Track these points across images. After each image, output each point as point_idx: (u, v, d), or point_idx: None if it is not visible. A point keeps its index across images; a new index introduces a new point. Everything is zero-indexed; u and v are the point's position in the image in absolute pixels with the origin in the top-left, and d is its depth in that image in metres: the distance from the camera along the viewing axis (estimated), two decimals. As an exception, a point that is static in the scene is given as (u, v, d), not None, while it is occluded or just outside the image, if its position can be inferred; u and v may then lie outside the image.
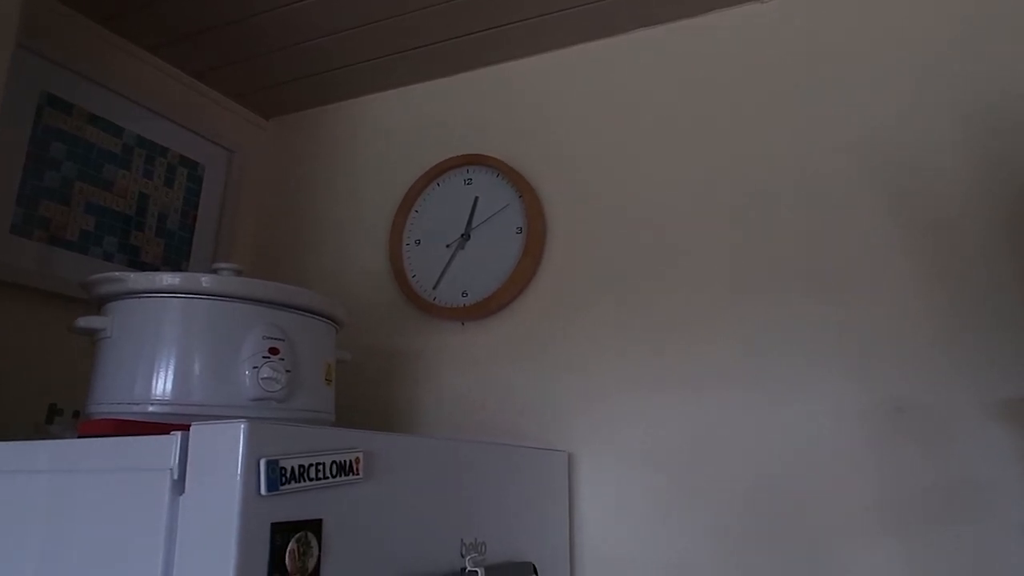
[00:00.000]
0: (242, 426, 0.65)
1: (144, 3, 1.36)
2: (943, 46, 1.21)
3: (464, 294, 1.44)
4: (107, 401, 0.94)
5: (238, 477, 0.63)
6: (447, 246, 1.48)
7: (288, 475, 0.67)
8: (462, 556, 0.91)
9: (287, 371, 0.98)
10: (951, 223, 1.14)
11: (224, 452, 0.64)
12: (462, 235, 1.47)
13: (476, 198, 1.48)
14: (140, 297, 0.96)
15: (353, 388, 1.50)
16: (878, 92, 1.23)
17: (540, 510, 1.14)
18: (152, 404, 0.91)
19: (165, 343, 0.94)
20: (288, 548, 0.66)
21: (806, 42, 1.30)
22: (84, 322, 0.96)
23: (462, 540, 0.92)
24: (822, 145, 1.25)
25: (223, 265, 1.06)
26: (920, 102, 1.20)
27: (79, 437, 0.87)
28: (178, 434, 0.68)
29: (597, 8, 1.37)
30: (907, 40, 1.23)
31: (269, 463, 0.65)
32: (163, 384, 0.92)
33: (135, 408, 0.91)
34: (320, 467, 0.71)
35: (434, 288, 1.47)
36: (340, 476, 0.73)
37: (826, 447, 1.14)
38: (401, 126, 1.64)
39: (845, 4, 1.29)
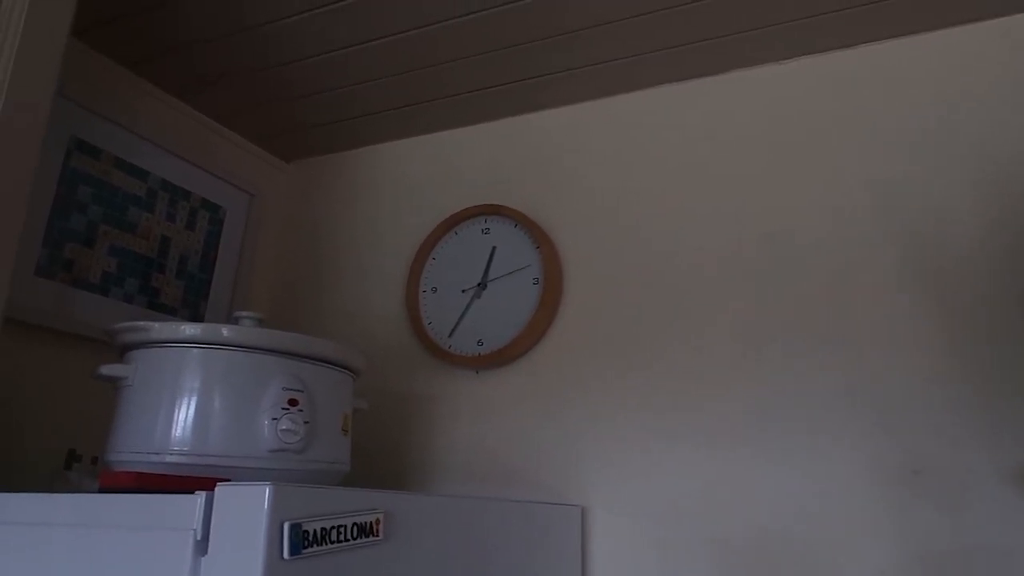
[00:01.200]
0: (267, 489, 0.65)
1: (170, 48, 1.39)
2: (957, 101, 1.22)
3: (479, 343, 1.44)
4: (127, 449, 0.94)
5: (262, 540, 0.64)
6: (463, 293, 1.49)
7: (311, 539, 0.67)
8: (477, 616, 0.91)
9: (305, 422, 0.98)
10: (968, 287, 1.15)
11: (248, 515, 0.65)
12: (479, 284, 1.48)
13: (494, 248, 1.49)
14: (163, 347, 0.97)
15: (366, 434, 1.50)
16: (897, 153, 1.25)
17: (554, 566, 1.14)
18: (171, 454, 0.92)
19: (186, 393, 0.94)
20: (308, 613, 0.66)
21: (826, 101, 1.32)
22: (107, 370, 0.97)
23: (477, 600, 0.92)
24: (841, 204, 1.26)
25: (244, 314, 1.07)
26: (938, 160, 1.21)
27: (100, 489, 0.87)
28: (203, 494, 0.68)
29: (621, 64, 1.40)
30: (921, 99, 1.25)
31: (293, 527, 0.65)
32: (182, 434, 0.92)
33: (154, 458, 0.92)
34: (341, 529, 0.71)
35: (450, 336, 1.47)
36: (360, 538, 0.73)
37: (840, 508, 1.13)
38: (420, 174, 1.66)
39: (862, 64, 1.31)
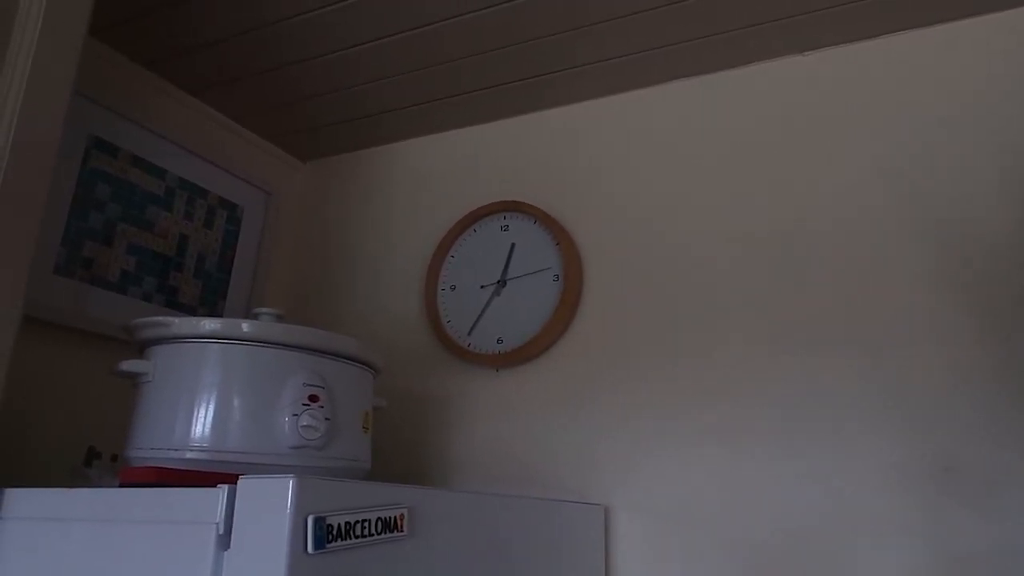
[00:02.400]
0: (291, 481, 0.64)
1: (188, 48, 1.39)
2: (980, 92, 1.20)
3: (499, 341, 1.43)
4: (147, 446, 0.93)
5: (286, 534, 0.62)
6: (482, 291, 1.47)
7: (335, 533, 0.66)
8: (501, 615, 0.89)
9: (326, 419, 0.97)
10: (996, 281, 1.12)
11: (272, 507, 0.63)
12: (498, 281, 1.46)
13: (513, 245, 1.47)
14: (182, 342, 0.96)
15: (385, 433, 1.49)
16: (917, 140, 1.22)
17: (576, 565, 1.12)
18: (191, 450, 0.91)
19: (206, 389, 0.93)
20: (333, 608, 0.64)
21: (845, 92, 1.30)
22: (127, 366, 0.96)
23: (501, 598, 0.90)
24: (865, 195, 1.24)
25: (264, 311, 1.06)
26: (963, 150, 1.19)
27: (120, 485, 0.86)
28: (225, 487, 0.67)
29: (638, 58, 1.38)
30: (946, 89, 1.23)
31: (317, 520, 0.64)
32: (203, 430, 0.91)
33: (174, 454, 0.91)
34: (366, 524, 0.69)
35: (469, 334, 1.46)
36: (385, 533, 0.72)
37: (867, 508, 1.11)
38: (438, 171, 1.65)
39: (883, 53, 1.29)
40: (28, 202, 0.94)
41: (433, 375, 1.50)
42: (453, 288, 1.51)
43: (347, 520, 0.67)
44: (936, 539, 1.06)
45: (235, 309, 1.56)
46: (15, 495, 0.82)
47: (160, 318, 0.96)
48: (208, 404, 0.92)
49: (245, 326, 0.96)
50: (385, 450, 1.47)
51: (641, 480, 1.26)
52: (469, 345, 1.45)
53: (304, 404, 0.95)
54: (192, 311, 1.47)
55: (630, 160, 1.45)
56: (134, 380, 0.98)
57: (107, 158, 1.35)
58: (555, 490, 1.31)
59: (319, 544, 0.64)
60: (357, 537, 0.68)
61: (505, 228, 1.50)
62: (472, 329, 1.46)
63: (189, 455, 0.91)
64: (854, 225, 1.23)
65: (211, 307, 1.52)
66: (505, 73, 1.45)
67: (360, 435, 1.04)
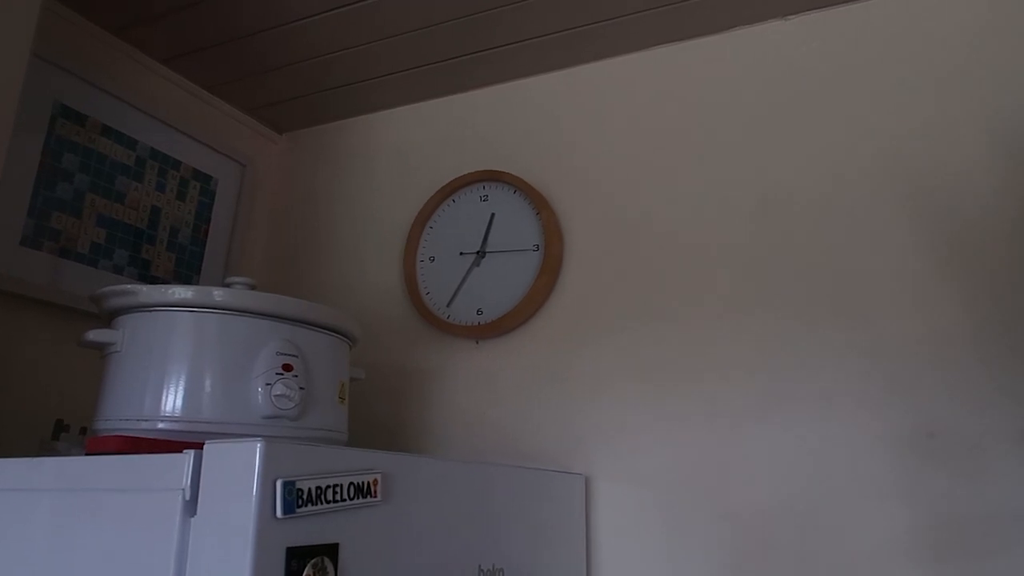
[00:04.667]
0: (258, 445, 0.62)
1: (158, 15, 1.35)
2: (965, 56, 1.19)
3: (479, 312, 1.41)
4: (115, 417, 0.91)
5: (253, 499, 0.60)
6: (462, 262, 1.45)
7: (305, 497, 0.64)
8: (480, 583, 0.88)
9: (300, 388, 0.95)
10: (980, 246, 1.12)
11: (239, 472, 0.62)
12: (477, 252, 1.44)
13: (492, 215, 1.45)
14: (151, 310, 0.93)
15: (363, 405, 1.47)
16: (901, 105, 1.21)
17: (557, 534, 1.11)
18: (162, 421, 0.89)
19: (176, 358, 0.91)
20: (304, 573, 0.63)
21: (827, 57, 1.28)
22: (94, 335, 0.93)
23: (479, 566, 0.89)
24: (847, 161, 1.23)
25: (236, 279, 1.04)
26: (947, 115, 1.18)
27: (87, 454, 0.84)
28: (191, 452, 0.65)
29: (615, 24, 1.36)
30: (929, 52, 1.21)
31: (286, 484, 0.62)
32: (173, 400, 0.89)
33: (144, 424, 0.89)
34: (337, 489, 0.68)
35: (448, 305, 1.44)
36: (357, 498, 0.70)
37: (850, 474, 1.10)
38: (416, 142, 1.63)
39: (866, 18, 1.27)
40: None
41: (412, 347, 1.48)
42: (432, 259, 1.49)
43: (318, 485, 0.66)
44: (921, 504, 1.06)
45: (210, 283, 1.53)
46: (-21, 466, 0.80)
47: (128, 286, 0.94)
48: (178, 374, 0.90)
49: (216, 294, 0.93)
50: (363, 423, 1.45)
51: (623, 450, 1.25)
52: (448, 317, 1.44)
53: (278, 373, 0.93)
54: (159, 284, 1.44)
55: (610, 128, 1.43)
56: (102, 351, 0.95)
57: (74, 127, 1.31)
58: (536, 461, 1.30)
59: (288, 508, 0.62)
60: (329, 502, 0.67)
61: (485, 198, 1.48)
62: (452, 300, 1.44)
63: (160, 426, 0.88)
64: (838, 193, 1.22)
65: (186, 281, 1.49)
66: (483, 41, 1.42)
67: (336, 406, 1.02)
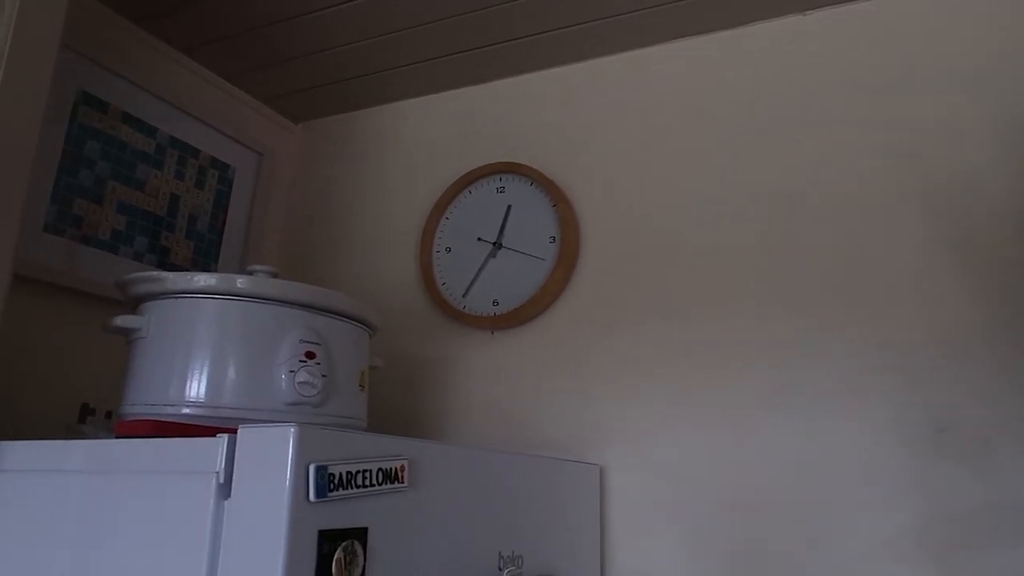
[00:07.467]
0: (292, 430, 0.63)
1: (179, 5, 1.36)
2: (981, 58, 1.19)
3: (495, 303, 1.42)
4: (141, 402, 0.92)
5: (287, 482, 0.62)
6: (478, 253, 1.46)
7: (336, 482, 0.65)
8: (500, 569, 0.89)
9: (323, 376, 0.96)
10: (991, 242, 1.12)
11: (273, 456, 0.63)
12: (494, 243, 1.45)
13: (509, 206, 1.46)
14: (177, 297, 0.94)
15: (380, 394, 1.48)
16: (918, 104, 1.22)
17: (572, 524, 1.12)
18: (187, 406, 0.90)
19: (201, 345, 0.92)
20: (335, 557, 0.64)
21: (845, 54, 1.29)
22: (121, 321, 0.95)
23: (500, 553, 0.90)
24: (862, 157, 1.23)
25: (259, 267, 1.04)
26: (962, 114, 1.18)
27: (116, 437, 0.85)
28: (224, 436, 0.66)
29: (635, 18, 1.36)
30: (946, 50, 1.22)
31: (318, 469, 0.63)
32: (198, 386, 0.90)
33: (170, 409, 0.90)
34: (367, 474, 0.69)
35: (464, 296, 1.45)
36: (386, 484, 0.71)
37: (863, 468, 1.11)
38: (433, 133, 1.63)
39: (884, 17, 1.27)
40: (16, 158, 0.92)
41: (428, 337, 1.49)
42: (448, 250, 1.50)
43: (348, 470, 0.67)
44: (933, 498, 1.07)
45: (227, 270, 1.54)
46: (12, 447, 0.81)
47: (154, 273, 0.95)
48: (203, 360, 0.91)
49: (240, 281, 0.94)
50: (380, 413, 1.46)
51: (637, 441, 1.26)
52: (464, 307, 1.45)
53: (301, 360, 0.94)
54: (184, 272, 1.45)
55: (627, 121, 1.44)
56: (128, 336, 0.96)
57: (96, 114, 1.32)
58: (551, 451, 1.31)
59: (321, 492, 0.63)
60: (358, 487, 0.68)
61: (501, 190, 1.48)
62: (468, 291, 1.45)
63: (185, 411, 0.90)
64: (850, 187, 1.23)
65: (203, 268, 1.50)
66: (501, 33, 1.42)
67: (357, 393, 1.03)
